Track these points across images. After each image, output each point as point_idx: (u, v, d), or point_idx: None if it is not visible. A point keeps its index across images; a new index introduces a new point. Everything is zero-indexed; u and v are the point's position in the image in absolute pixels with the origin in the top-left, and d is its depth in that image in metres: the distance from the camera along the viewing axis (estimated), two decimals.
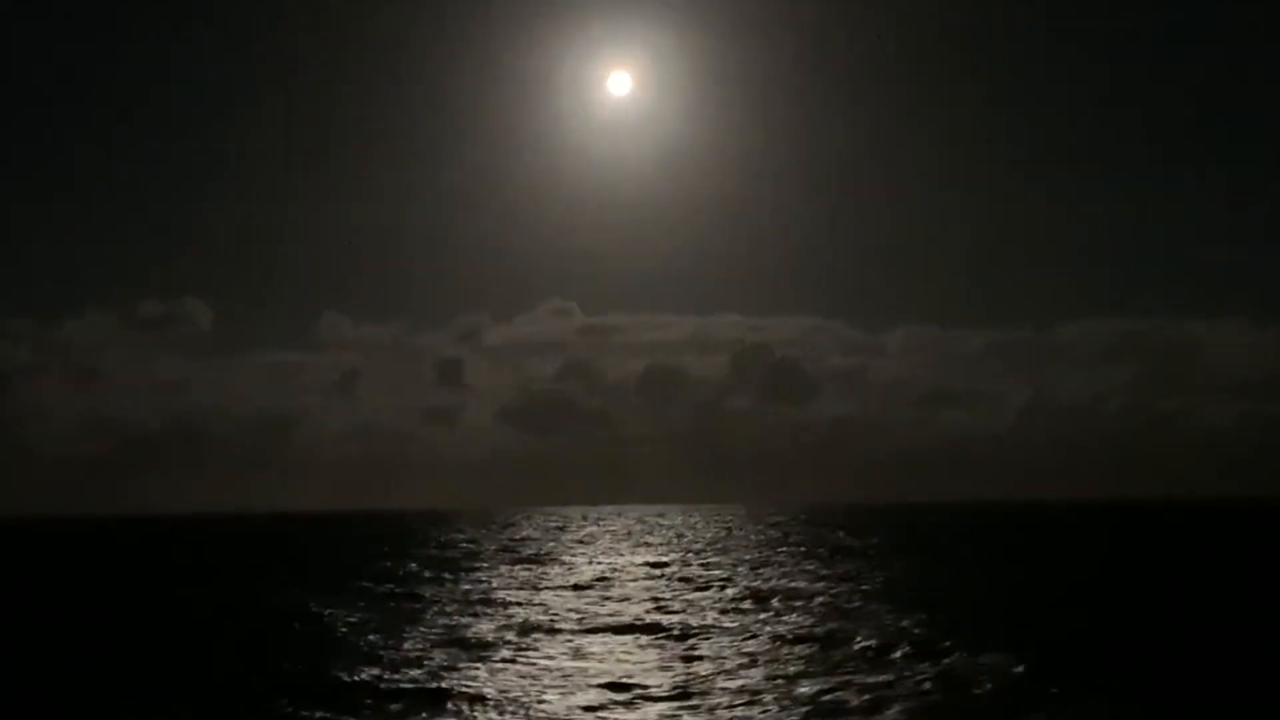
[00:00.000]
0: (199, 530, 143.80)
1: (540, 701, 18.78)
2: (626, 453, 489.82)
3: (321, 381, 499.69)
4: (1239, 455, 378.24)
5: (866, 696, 18.37)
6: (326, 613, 32.05)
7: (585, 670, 21.87)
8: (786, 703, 18.36)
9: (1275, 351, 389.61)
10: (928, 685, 19.09)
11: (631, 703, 18.72)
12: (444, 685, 19.82)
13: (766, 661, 22.53)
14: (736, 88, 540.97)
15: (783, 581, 41.90)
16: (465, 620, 30.44)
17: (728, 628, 27.85)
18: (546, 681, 20.59)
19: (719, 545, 74.87)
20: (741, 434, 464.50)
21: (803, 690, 19.13)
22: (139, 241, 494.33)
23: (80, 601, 38.61)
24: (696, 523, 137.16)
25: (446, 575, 48.33)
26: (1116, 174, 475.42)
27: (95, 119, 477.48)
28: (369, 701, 18.76)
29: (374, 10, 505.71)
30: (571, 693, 19.49)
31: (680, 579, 44.03)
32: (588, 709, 18.25)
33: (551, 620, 30.18)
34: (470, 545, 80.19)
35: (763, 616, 30.19)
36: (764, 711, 17.93)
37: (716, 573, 47.29)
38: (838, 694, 18.70)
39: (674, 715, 17.77)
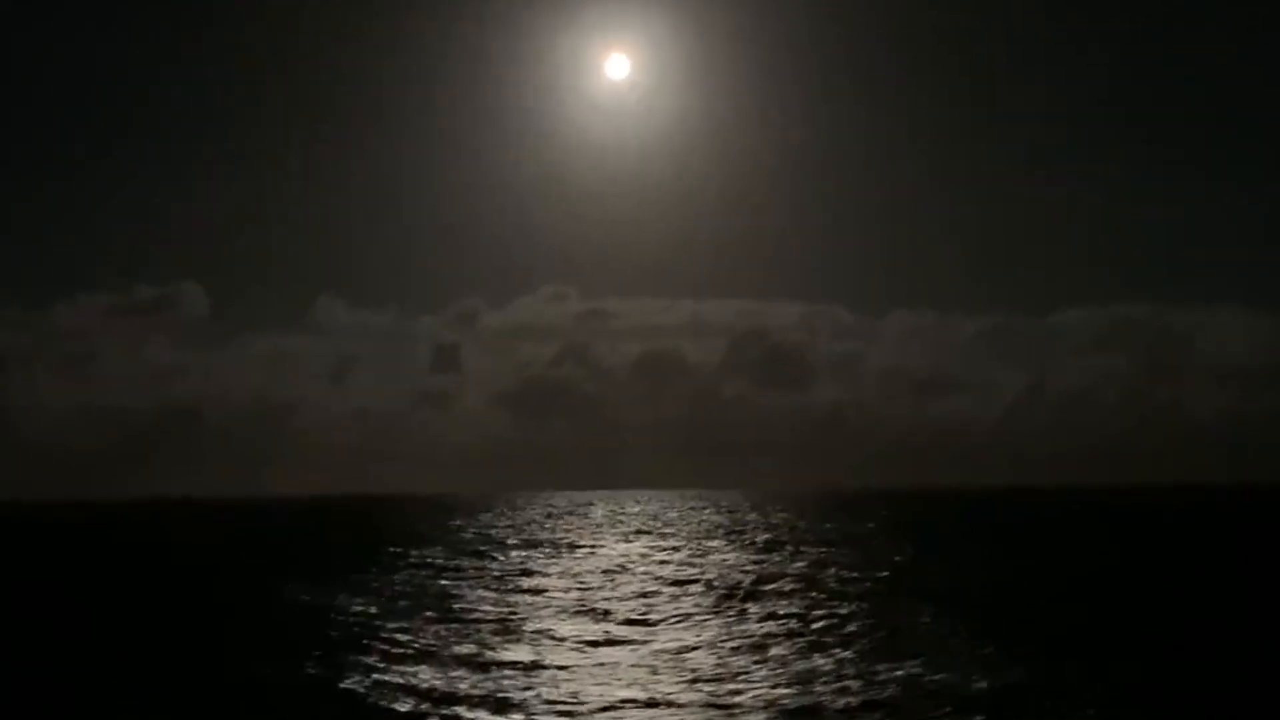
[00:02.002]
0: (195, 516, 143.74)
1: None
2: (622, 438, 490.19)
3: (318, 366, 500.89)
4: (1234, 442, 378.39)
5: (872, 691, 18.86)
6: (355, 607, 32.71)
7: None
8: (781, 690, 19.13)
9: (1270, 338, 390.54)
10: (926, 682, 19.58)
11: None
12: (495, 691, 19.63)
13: (756, 650, 23.37)
14: (734, 72, 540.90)
15: (784, 568, 42.89)
16: (498, 621, 30.73)
17: (719, 618, 28.80)
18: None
19: (721, 532, 75.60)
20: (738, 419, 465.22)
21: (798, 683, 19.72)
22: (133, 226, 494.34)
23: (78, 592, 38.54)
24: (701, 509, 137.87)
25: (465, 564, 49.19)
26: (1113, 162, 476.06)
27: (89, 104, 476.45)
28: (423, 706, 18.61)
29: None
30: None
31: (688, 565, 45.06)
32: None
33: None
34: (476, 534, 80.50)
35: (764, 606, 30.88)
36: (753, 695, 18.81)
37: (716, 558, 48.29)
38: (835, 687, 19.31)
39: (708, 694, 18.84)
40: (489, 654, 23.11)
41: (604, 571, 43.30)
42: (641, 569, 44.18)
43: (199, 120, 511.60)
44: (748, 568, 43.54)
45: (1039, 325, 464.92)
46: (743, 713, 17.75)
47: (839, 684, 19.59)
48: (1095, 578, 38.25)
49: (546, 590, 36.11)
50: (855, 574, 39.86)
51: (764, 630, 26.35)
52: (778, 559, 48.49)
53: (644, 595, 34.18)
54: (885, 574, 39.87)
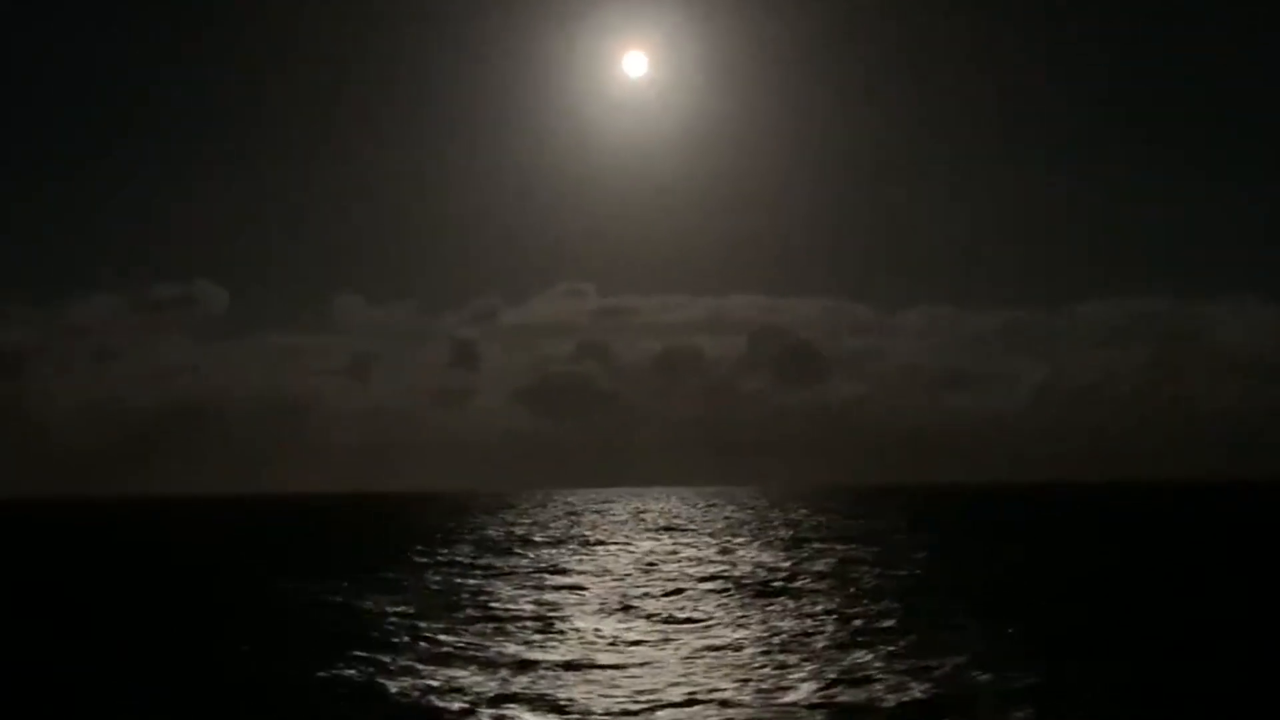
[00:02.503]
0: (213, 513, 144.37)
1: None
2: (641, 435, 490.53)
3: (335, 364, 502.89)
4: (1251, 435, 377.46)
5: (920, 688, 18.87)
6: (389, 608, 32.94)
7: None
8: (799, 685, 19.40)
9: None
10: (971, 679, 19.57)
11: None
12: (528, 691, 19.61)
13: (798, 647, 23.41)
14: (752, 68, 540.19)
15: (812, 564, 43.00)
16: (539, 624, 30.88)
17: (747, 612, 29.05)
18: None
19: (745, 529, 75.76)
20: (756, 415, 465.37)
21: (845, 682, 19.68)
22: (150, 224, 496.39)
23: (90, 591, 38.47)
24: (722, 505, 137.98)
25: (493, 562, 49.41)
26: (1129, 157, 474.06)
27: (107, 101, 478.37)
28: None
29: None
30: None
31: (716, 562, 45.21)
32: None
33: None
34: (501, 532, 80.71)
35: (797, 603, 30.97)
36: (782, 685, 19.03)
37: (743, 555, 48.44)
38: (882, 685, 19.29)
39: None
40: (532, 654, 23.18)
41: (634, 569, 43.41)
42: (671, 566, 44.31)
43: (215, 118, 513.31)
44: (776, 564, 43.63)
45: (1055, 319, 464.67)
46: (796, 712, 17.85)
47: (886, 681, 19.61)
48: (1126, 575, 38.24)
49: (580, 588, 36.19)
50: (883, 570, 39.89)
51: (802, 627, 26.38)
52: (804, 555, 48.55)
53: (677, 592, 34.26)
54: (913, 570, 39.85)
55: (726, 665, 21.77)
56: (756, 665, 21.64)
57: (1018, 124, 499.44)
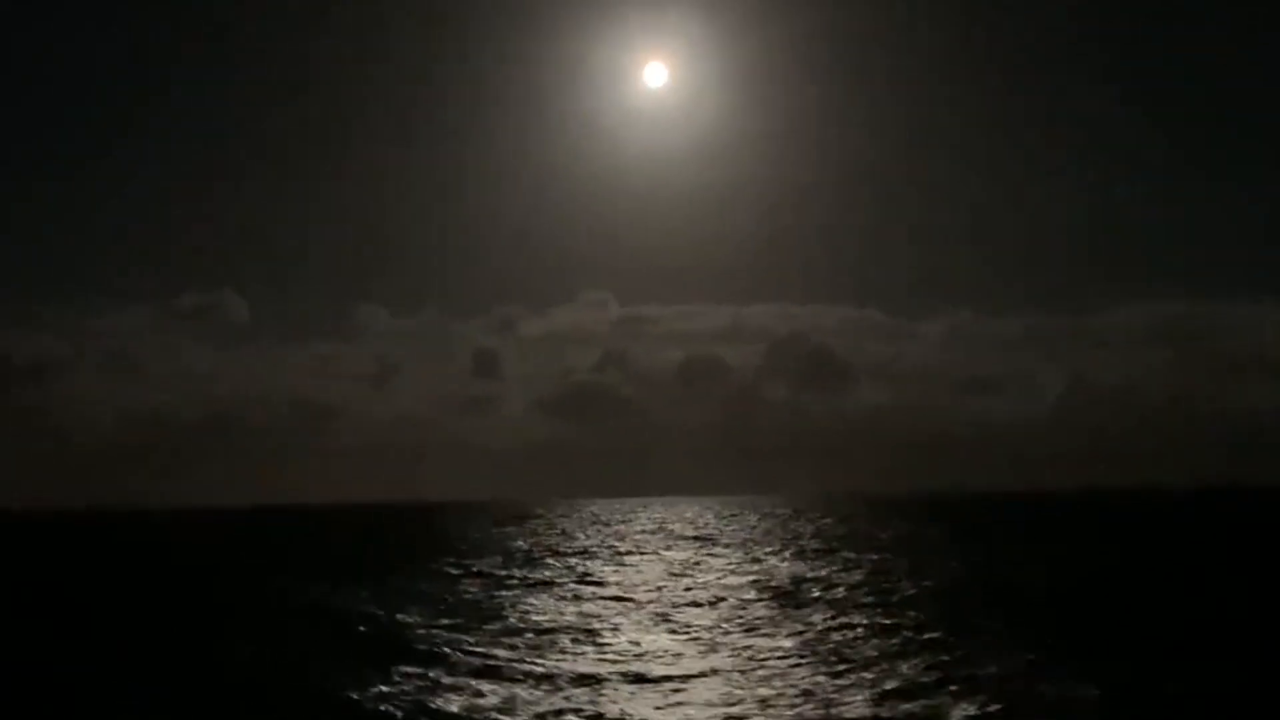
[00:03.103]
0: (237, 522, 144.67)
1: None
2: (662, 443, 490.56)
3: (358, 372, 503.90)
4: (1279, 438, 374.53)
5: (975, 700, 18.84)
6: (420, 619, 32.96)
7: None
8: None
9: None
10: (1027, 690, 19.53)
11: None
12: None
13: (844, 659, 23.38)
14: (771, 78, 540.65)
15: (846, 574, 42.80)
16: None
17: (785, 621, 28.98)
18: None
19: (773, 538, 75.61)
20: (778, 423, 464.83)
21: (899, 696, 19.70)
22: (177, 235, 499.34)
23: (126, 601, 38.51)
24: (747, 514, 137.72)
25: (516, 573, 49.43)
26: (1153, 158, 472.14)
27: (134, 115, 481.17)
28: None
29: (406, 2, 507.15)
30: None
31: (749, 572, 45.08)
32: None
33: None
34: (529, 542, 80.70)
35: (836, 613, 30.87)
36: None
37: (775, 565, 48.30)
38: (939, 698, 19.27)
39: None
40: (585, 667, 23.19)
41: (669, 579, 43.34)
42: (705, 576, 44.20)
43: (236, 129, 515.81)
44: (811, 574, 43.44)
45: (1079, 324, 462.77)
46: None
47: (942, 693, 19.57)
48: (1163, 581, 37.99)
49: (619, 599, 36.15)
50: (919, 579, 39.58)
51: (847, 638, 26.33)
52: (837, 564, 48.39)
53: (717, 602, 34.25)
54: (949, 579, 39.60)
55: (779, 677, 21.73)
56: (809, 676, 21.61)
57: (1039, 131, 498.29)
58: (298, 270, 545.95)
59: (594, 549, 65.64)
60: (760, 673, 22.29)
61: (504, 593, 38.88)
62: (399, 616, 31.71)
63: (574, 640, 26.86)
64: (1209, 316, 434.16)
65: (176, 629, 29.15)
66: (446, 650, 25.41)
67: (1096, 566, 45.14)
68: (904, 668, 22.05)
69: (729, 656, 24.28)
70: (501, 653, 25.11)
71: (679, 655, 24.57)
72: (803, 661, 23.29)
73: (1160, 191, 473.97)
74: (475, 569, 50.22)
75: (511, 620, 30.70)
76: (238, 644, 26.63)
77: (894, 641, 25.41)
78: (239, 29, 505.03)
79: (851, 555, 54.60)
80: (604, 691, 20.61)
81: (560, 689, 20.89)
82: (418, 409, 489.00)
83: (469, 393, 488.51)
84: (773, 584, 39.67)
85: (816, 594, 35.88)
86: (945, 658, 22.70)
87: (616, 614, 32.09)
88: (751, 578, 42.71)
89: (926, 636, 25.82)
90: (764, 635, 27.29)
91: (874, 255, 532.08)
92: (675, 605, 33.78)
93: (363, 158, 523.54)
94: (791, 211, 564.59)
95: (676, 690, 20.65)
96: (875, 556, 52.98)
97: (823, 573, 43.81)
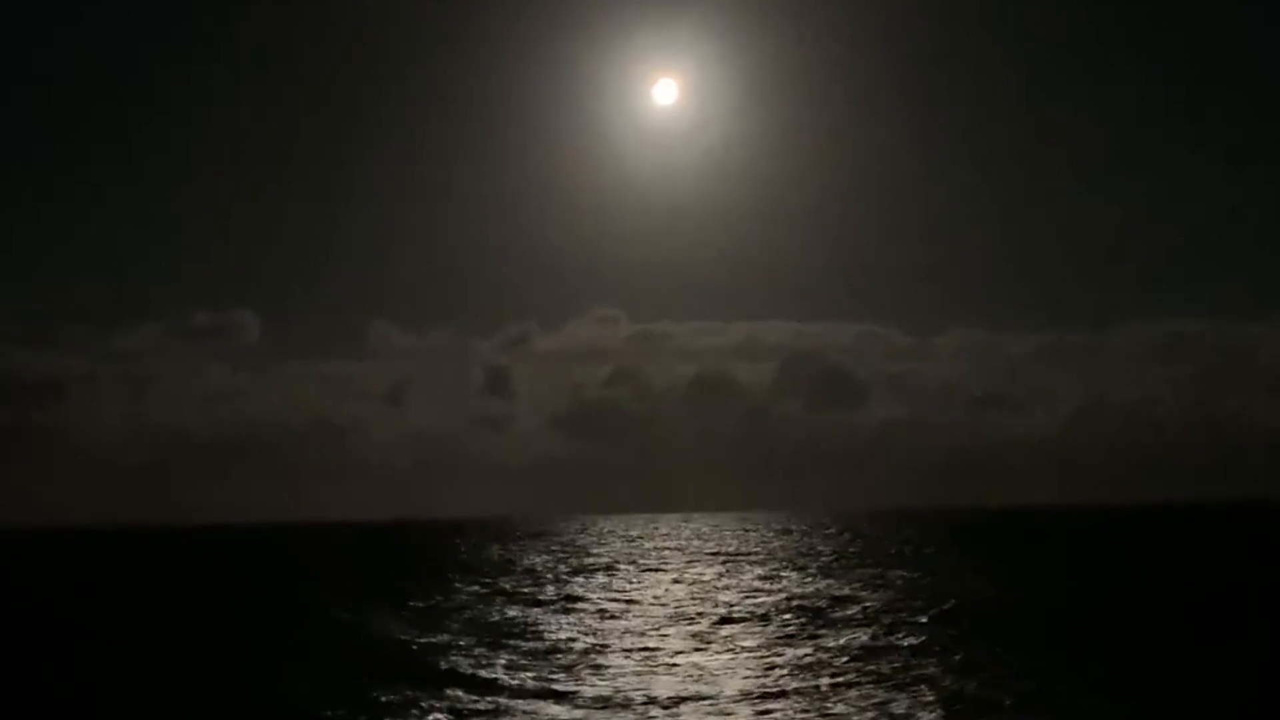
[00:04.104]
0: (254, 540, 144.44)
1: None
2: (676, 460, 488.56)
3: (371, 390, 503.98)
4: None
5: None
6: (450, 641, 33.12)
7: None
8: None
9: None
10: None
11: None
12: None
13: (881, 678, 23.50)
14: (782, 94, 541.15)
15: (868, 591, 42.90)
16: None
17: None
18: None
19: (793, 555, 75.54)
20: (792, 440, 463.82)
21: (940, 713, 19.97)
22: (190, 253, 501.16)
23: (142, 619, 38.57)
24: (764, 531, 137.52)
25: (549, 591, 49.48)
26: (1167, 174, 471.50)
27: (146, 135, 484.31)
28: None
29: (420, 16, 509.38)
30: None
31: (773, 590, 45.17)
32: None
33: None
34: (551, 559, 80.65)
35: (864, 631, 31.05)
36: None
37: (797, 582, 48.37)
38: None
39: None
40: (629, 687, 23.32)
41: (697, 597, 43.49)
42: (730, 595, 44.28)
43: (247, 148, 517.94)
44: (837, 591, 43.49)
45: (1095, 340, 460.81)
46: None
47: (998, 714, 19.72)
48: (1189, 598, 38.09)
49: (650, 617, 36.34)
50: (945, 597, 39.40)
51: (888, 654, 26.55)
52: (861, 583, 48.50)
53: (747, 620, 34.43)
54: (975, 597, 39.53)
55: (834, 695, 21.95)
56: (867, 695, 21.82)
57: (1053, 145, 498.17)
58: (310, 288, 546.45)
59: (618, 566, 65.68)
60: (797, 691, 22.48)
61: (536, 611, 39.00)
62: (437, 639, 31.64)
63: (614, 661, 26.91)
64: (1227, 332, 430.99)
65: (209, 655, 29.05)
66: (491, 674, 25.33)
67: (1118, 584, 45.15)
68: (952, 686, 22.21)
69: (781, 675, 24.42)
70: (546, 673, 25.23)
71: (727, 674, 24.75)
72: (853, 680, 23.44)
73: (1178, 206, 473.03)
74: (504, 587, 50.40)
75: (550, 640, 30.85)
76: (282, 672, 26.36)
77: (933, 660, 25.57)
78: (249, 47, 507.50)
79: (875, 572, 54.73)
80: (656, 717, 20.75)
81: (617, 712, 21.03)
82: (431, 426, 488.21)
83: (482, 410, 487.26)
84: (803, 602, 39.75)
85: (850, 612, 35.97)
86: (989, 675, 22.88)
87: (652, 632, 32.24)
88: (780, 595, 42.82)
89: (965, 655, 25.98)
90: (806, 653, 27.41)
91: (887, 271, 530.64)
92: (711, 623, 33.95)
93: (374, 176, 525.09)
94: (803, 227, 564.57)
95: (726, 711, 20.80)
96: (900, 574, 53.03)
97: (850, 591, 43.91)
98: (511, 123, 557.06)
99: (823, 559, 68.17)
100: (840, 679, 23.77)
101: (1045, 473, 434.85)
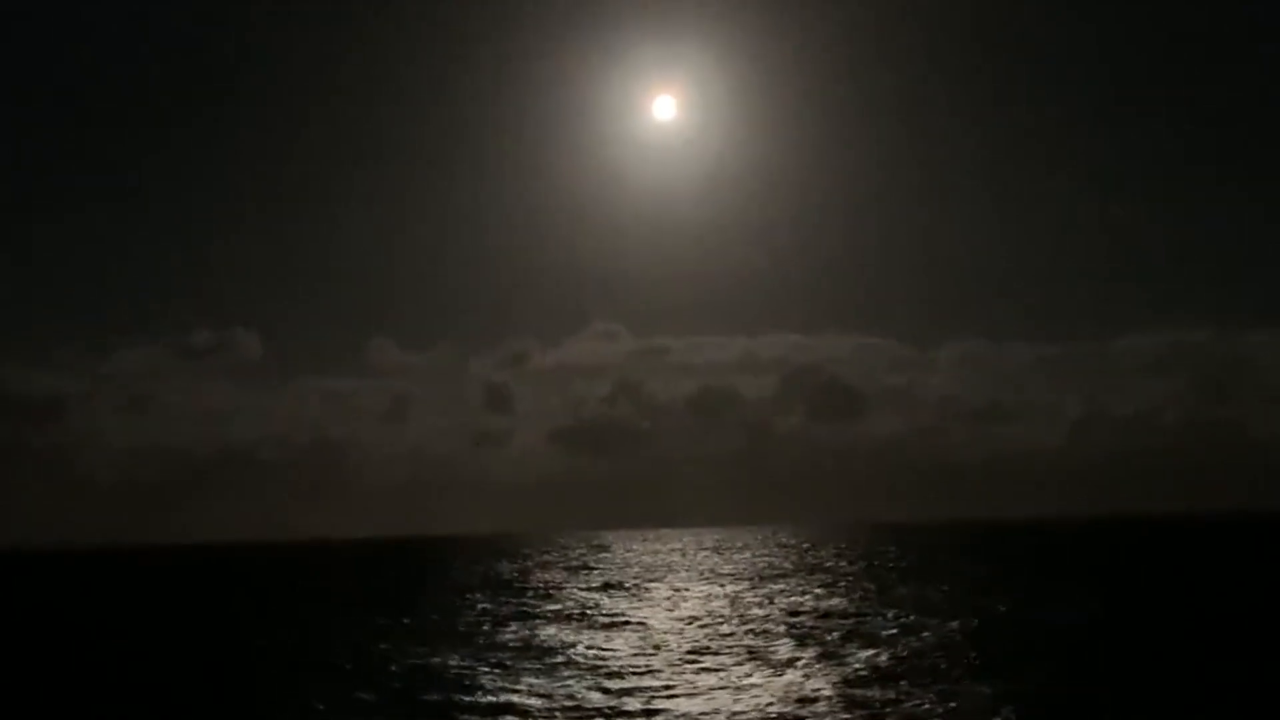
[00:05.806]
0: (254, 558, 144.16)
1: None
2: (677, 474, 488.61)
3: (370, 407, 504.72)
4: None
5: None
6: (465, 664, 32.89)
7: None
8: None
9: None
10: None
11: None
12: None
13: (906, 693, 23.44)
14: (781, 109, 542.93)
15: (876, 605, 42.76)
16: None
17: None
18: None
19: (799, 570, 75.37)
20: (793, 453, 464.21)
21: None
22: (189, 272, 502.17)
23: (145, 639, 38.33)
24: (767, 545, 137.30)
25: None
26: (1167, 186, 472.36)
27: (147, 155, 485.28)
28: None
29: (419, 35, 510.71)
30: None
31: (780, 604, 45.05)
32: None
33: None
34: (557, 576, 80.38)
35: (878, 647, 30.89)
36: None
37: (805, 596, 48.23)
38: None
39: None
40: (652, 705, 23.25)
41: (704, 611, 43.37)
42: (741, 609, 44.14)
43: (254, 171, 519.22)
44: (847, 608, 43.36)
45: (1095, 352, 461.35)
46: None
47: None
48: (1195, 607, 38.04)
49: (662, 632, 36.16)
50: (955, 612, 39.49)
51: (905, 667, 26.41)
52: (861, 595, 48.50)
53: (763, 634, 34.33)
54: (987, 613, 39.52)
55: (860, 709, 21.86)
56: (880, 709, 21.74)
57: (1052, 156, 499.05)
58: (309, 306, 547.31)
59: (622, 582, 65.39)
60: (821, 710, 22.43)
61: (546, 628, 38.80)
62: (452, 660, 31.25)
63: (632, 680, 26.67)
64: (1226, 343, 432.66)
65: (216, 674, 28.92)
66: (511, 696, 25.00)
67: (1120, 596, 45.03)
68: (975, 698, 22.15)
69: (794, 689, 24.32)
70: (561, 691, 25.13)
71: (744, 688, 24.65)
72: (874, 693, 23.35)
73: (1177, 217, 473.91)
74: (510, 604, 50.22)
75: (565, 657, 30.71)
76: (292, 689, 26.36)
77: (954, 673, 25.51)
78: (249, 69, 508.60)
79: (876, 586, 54.71)
80: None
81: None
82: (431, 443, 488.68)
83: (482, 426, 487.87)
84: (814, 616, 39.66)
85: (864, 627, 35.93)
86: (1014, 688, 22.83)
87: (666, 648, 32.06)
88: (786, 609, 42.73)
89: (983, 666, 25.94)
90: (822, 666, 27.30)
91: (886, 284, 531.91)
92: (721, 638, 33.82)
93: (374, 194, 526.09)
94: (803, 241, 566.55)
95: None
96: (903, 589, 52.85)
97: (857, 605, 43.80)
98: (511, 140, 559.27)
99: (828, 574, 68.00)
100: (860, 692, 23.64)
101: (1047, 484, 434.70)
